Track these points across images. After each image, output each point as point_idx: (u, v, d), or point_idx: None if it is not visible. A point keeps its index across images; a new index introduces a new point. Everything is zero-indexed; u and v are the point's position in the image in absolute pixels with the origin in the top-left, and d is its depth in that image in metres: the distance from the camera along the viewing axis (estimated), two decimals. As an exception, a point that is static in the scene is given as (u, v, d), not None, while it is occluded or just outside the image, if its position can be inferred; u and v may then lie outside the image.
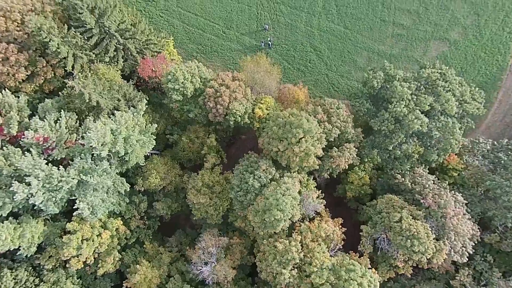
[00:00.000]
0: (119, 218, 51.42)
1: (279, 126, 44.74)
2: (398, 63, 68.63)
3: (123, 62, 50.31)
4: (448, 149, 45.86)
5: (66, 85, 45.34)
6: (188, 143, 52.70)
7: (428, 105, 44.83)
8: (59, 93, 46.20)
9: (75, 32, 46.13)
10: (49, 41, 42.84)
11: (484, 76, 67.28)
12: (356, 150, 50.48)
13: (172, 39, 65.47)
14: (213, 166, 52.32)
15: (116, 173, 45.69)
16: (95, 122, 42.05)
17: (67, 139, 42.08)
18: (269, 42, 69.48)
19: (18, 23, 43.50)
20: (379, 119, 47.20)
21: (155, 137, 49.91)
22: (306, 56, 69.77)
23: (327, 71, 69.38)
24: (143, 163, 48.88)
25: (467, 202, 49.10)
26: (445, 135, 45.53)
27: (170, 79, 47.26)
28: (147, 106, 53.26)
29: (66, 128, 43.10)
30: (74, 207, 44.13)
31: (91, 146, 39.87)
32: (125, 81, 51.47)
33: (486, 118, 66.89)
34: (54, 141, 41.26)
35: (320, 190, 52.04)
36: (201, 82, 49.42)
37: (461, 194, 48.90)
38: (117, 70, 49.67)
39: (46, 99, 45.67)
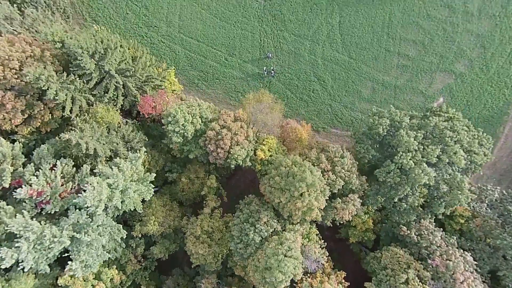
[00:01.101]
0: (114, 266, 49.23)
1: (281, 176, 43.37)
2: (403, 95, 67.51)
3: (122, 99, 49.00)
4: (455, 203, 44.50)
5: (62, 133, 43.76)
6: (188, 184, 51.37)
7: (436, 157, 43.58)
8: (56, 137, 44.91)
9: (74, 76, 44.88)
10: (48, 88, 41.51)
11: (490, 110, 66.10)
12: (361, 201, 49.43)
13: (173, 69, 64.38)
14: (212, 209, 51.09)
15: (112, 217, 44.31)
16: (91, 175, 40.52)
17: (62, 191, 40.93)
18: (272, 71, 68.35)
19: (16, 70, 42.19)
20: (384, 170, 45.80)
21: (155, 174, 48.58)
22: (310, 85, 68.61)
23: (331, 102, 68.21)
24: (141, 210, 47.86)
25: (476, 261, 47.65)
26: (452, 190, 44.24)
27: (170, 121, 45.93)
28: (145, 140, 52.00)
29: (61, 178, 41.75)
30: (68, 254, 42.78)
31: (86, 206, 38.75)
32: (125, 120, 50.13)
33: (492, 153, 65.73)
34: (48, 195, 40.05)
35: (322, 241, 50.55)
36: (202, 122, 48.13)
37: (469, 249, 47.43)
38: (117, 110, 48.37)
39: (42, 144, 44.23)
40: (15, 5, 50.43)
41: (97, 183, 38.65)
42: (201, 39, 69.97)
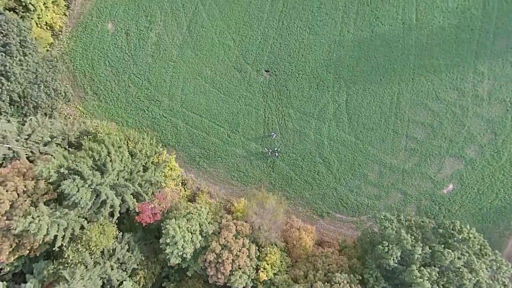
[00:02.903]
0: None
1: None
2: (411, 180, 65.09)
3: (119, 210, 46.56)
4: None
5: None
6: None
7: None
8: (45, 264, 42.43)
9: (67, 205, 42.73)
10: (38, 231, 39.28)
11: (503, 201, 63.51)
12: None
13: (174, 154, 62.34)
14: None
15: None
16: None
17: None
18: (276, 152, 66.29)
19: (6, 211, 40.09)
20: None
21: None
22: (315, 167, 66.36)
23: (336, 185, 65.83)
24: None
25: None
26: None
27: (168, 243, 43.43)
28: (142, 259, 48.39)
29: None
30: None
31: None
32: (120, 234, 47.56)
33: (506, 246, 62.85)
34: None
35: None
36: (202, 237, 45.64)
37: None
38: (113, 226, 46.14)
39: (26, 275, 41.88)
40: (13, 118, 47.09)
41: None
42: (204, 114, 68.18)
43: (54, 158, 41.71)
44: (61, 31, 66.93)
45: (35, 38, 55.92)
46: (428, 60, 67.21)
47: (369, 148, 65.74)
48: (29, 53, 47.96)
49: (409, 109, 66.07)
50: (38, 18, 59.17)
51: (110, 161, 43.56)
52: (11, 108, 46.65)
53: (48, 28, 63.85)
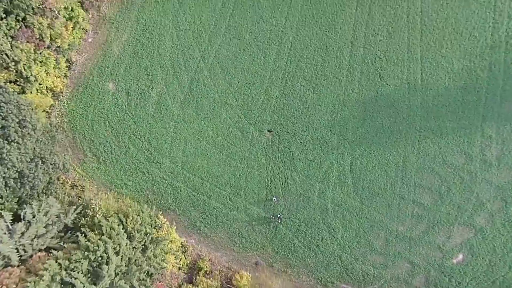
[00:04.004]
0: None
1: None
2: (419, 248, 62.74)
3: None
4: None
5: None
6: None
7: None
8: None
9: None
10: None
11: (515, 273, 61.43)
12: None
13: (175, 226, 60.89)
14: None
15: None
16: None
17: None
18: (279, 218, 64.57)
19: None
20: None
21: None
22: (319, 233, 64.34)
23: (341, 253, 63.62)
24: None
25: None
26: None
27: None
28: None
29: None
30: None
31: None
32: None
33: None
34: None
35: None
36: None
37: None
38: None
39: None
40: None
41: None
42: (205, 176, 66.72)
43: (46, 269, 40.17)
44: (62, 92, 66.26)
45: (35, 108, 55.14)
46: (434, 122, 65.83)
47: (374, 213, 63.86)
48: (28, 134, 46.88)
49: (416, 174, 64.35)
50: (39, 85, 58.59)
51: (107, 263, 42.02)
52: (6, 190, 45.46)
53: (49, 91, 63.19)
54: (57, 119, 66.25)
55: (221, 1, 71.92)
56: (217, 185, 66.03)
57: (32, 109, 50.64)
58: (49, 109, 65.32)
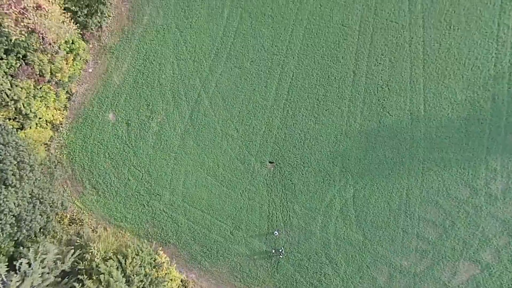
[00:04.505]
0: None
1: None
2: (423, 284, 61.41)
3: None
4: None
5: None
6: None
7: None
8: None
9: None
10: None
11: (523, 313, 60.17)
12: None
13: (175, 264, 59.90)
14: None
15: None
16: None
17: None
18: (281, 252, 63.66)
19: None
20: None
21: None
22: (321, 268, 63.13)
23: (344, 289, 62.86)
24: None
25: None
26: None
27: None
28: None
29: None
30: None
31: None
32: None
33: None
34: None
35: None
36: None
37: None
38: None
39: None
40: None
41: None
42: (206, 209, 65.81)
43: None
44: (61, 124, 65.68)
45: (34, 143, 54.54)
46: (437, 154, 65.01)
47: (378, 248, 62.81)
48: (26, 175, 46.21)
49: (419, 207, 63.38)
50: (39, 119, 58.06)
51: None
52: (2, 235, 44.63)
53: (48, 124, 62.63)
54: (56, 151, 65.56)
55: (222, 30, 71.40)
56: (218, 218, 65.12)
57: (31, 148, 49.92)
58: (49, 140, 64.60)
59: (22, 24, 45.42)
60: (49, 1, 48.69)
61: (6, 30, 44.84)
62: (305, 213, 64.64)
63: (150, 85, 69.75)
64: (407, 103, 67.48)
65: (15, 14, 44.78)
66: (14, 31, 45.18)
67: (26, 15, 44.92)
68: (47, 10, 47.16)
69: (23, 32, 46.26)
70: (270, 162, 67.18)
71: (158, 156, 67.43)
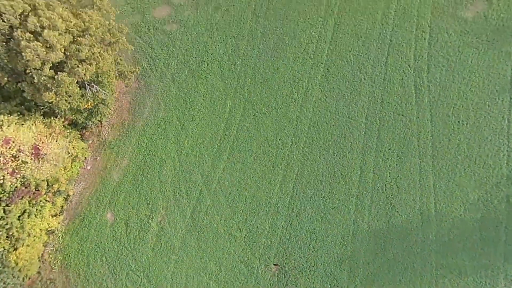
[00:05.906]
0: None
1: None
2: None
3: None
4: None
5: None
6: None
7: None
8: None
9: None
10: None
11: None
12: None
13: None
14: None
15: None
16: None
17: None
18: None
19: None
20: None
21: None
22: None
23: None
24: None
25: None
26: None
27: None
28: None
29: None
30: None
31: None
32: None
33: None
34: None
35: None
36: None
37: None
38: None
39: None
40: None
41: None
42: (207, 319, 62.78)
43: None
44: (57, 228, 63.26)
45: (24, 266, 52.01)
46: (451, 260, 61.82)
47: None
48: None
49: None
50: (34, 236, 55.73)
51: None
52: None
53: (42, 231, 60.18)
54: (50, 256, 62.88)
55: (224, 122, 69.90)
56: (219, 328, 61.59)
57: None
58: (44, 245, 61.99)
59: (18, 176, 43.86)
60: (49, 135, 46.96)
61: (2, 181, 43.25)
62: (312, 323, 61.09)
63: (150, 182, 67.63)
64: (417, 201, 64.87)
65: (12, 168, 43.33)
66: (10, 181, 43.56)
67: (22, 166, 43.41)
68: (44, 154, 45.54)
69: (19, 180, 44.64)
70: (274, 264, 64.20)
71: (158, 259, 64.56)
